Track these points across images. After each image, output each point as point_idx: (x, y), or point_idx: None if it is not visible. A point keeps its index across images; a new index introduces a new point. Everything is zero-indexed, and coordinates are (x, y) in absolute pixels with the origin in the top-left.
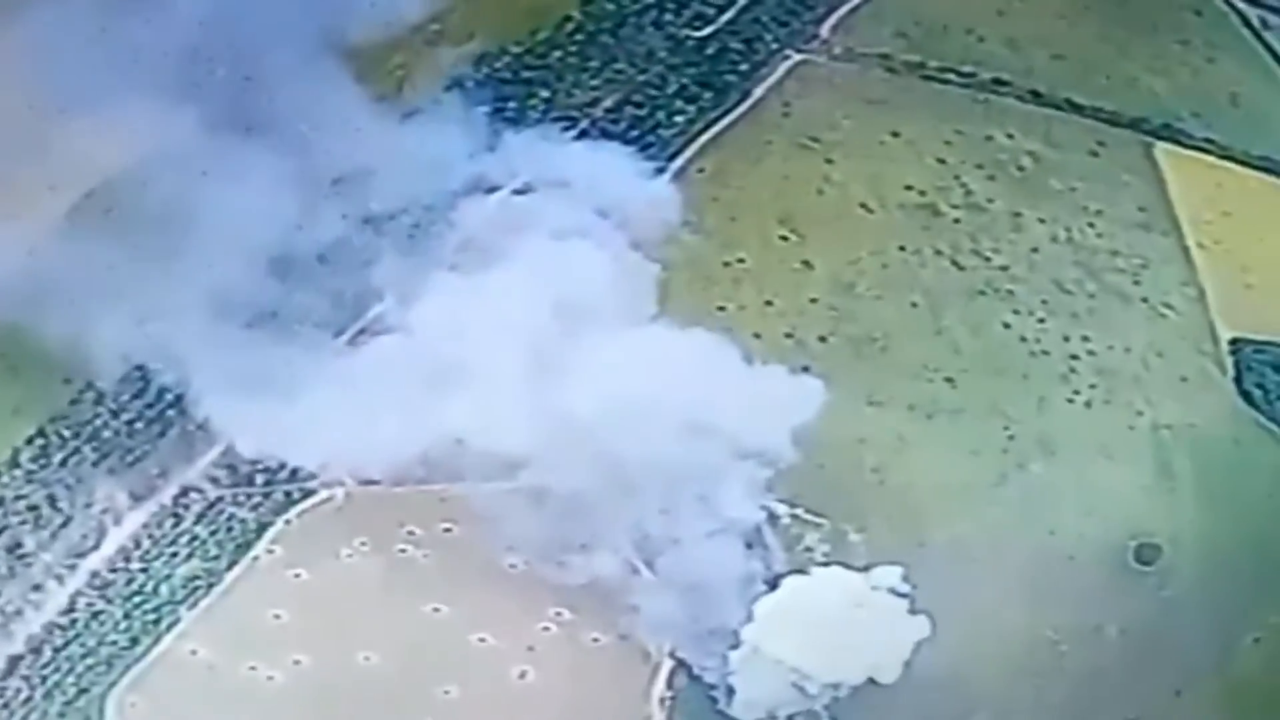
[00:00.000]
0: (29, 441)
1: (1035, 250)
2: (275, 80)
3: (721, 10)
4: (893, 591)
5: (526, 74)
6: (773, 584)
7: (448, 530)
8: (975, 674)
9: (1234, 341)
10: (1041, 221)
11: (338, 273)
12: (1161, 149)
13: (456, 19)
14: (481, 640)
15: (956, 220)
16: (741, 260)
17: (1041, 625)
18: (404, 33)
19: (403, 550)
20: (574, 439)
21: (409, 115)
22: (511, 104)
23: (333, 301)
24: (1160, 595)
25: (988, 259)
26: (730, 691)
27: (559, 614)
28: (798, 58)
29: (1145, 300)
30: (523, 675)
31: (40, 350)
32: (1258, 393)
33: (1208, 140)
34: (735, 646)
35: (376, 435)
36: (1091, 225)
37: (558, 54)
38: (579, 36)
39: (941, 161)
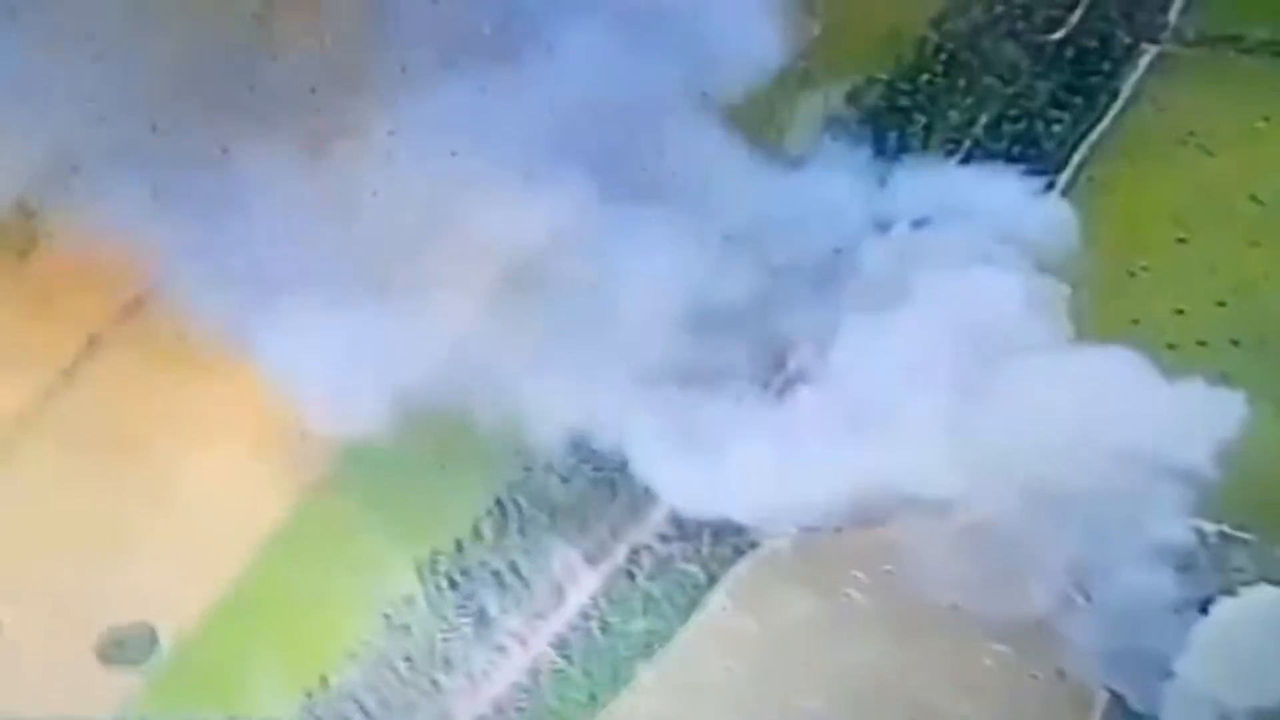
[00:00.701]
0: (489, 513)
1: None
2: (656, 142)
3: (1070, 10)
4: None
5: (900, 103)
6: (1203, 606)
7: (888, 572)
8: None
9: None
10: None
11: (752, 326)
12: None
13: (818, 59)
14: (923, 683)
15: None
16: (1145, 269)
17: None
18: (771, 79)
19: (847, 595)
20: (1002, 471)
21: (795, 162)
22: (891, 136)
23: (751, 355)
24: None
25: None
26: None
27: (998, 650)
28: (1155, 49)
29: None
30: (964, 716)
31: (489, 426)
32: None
33: None
34: (1168, 676)
35: (810, 484)
36: None
37: (925, 78)
38: (941, 57)
39: None
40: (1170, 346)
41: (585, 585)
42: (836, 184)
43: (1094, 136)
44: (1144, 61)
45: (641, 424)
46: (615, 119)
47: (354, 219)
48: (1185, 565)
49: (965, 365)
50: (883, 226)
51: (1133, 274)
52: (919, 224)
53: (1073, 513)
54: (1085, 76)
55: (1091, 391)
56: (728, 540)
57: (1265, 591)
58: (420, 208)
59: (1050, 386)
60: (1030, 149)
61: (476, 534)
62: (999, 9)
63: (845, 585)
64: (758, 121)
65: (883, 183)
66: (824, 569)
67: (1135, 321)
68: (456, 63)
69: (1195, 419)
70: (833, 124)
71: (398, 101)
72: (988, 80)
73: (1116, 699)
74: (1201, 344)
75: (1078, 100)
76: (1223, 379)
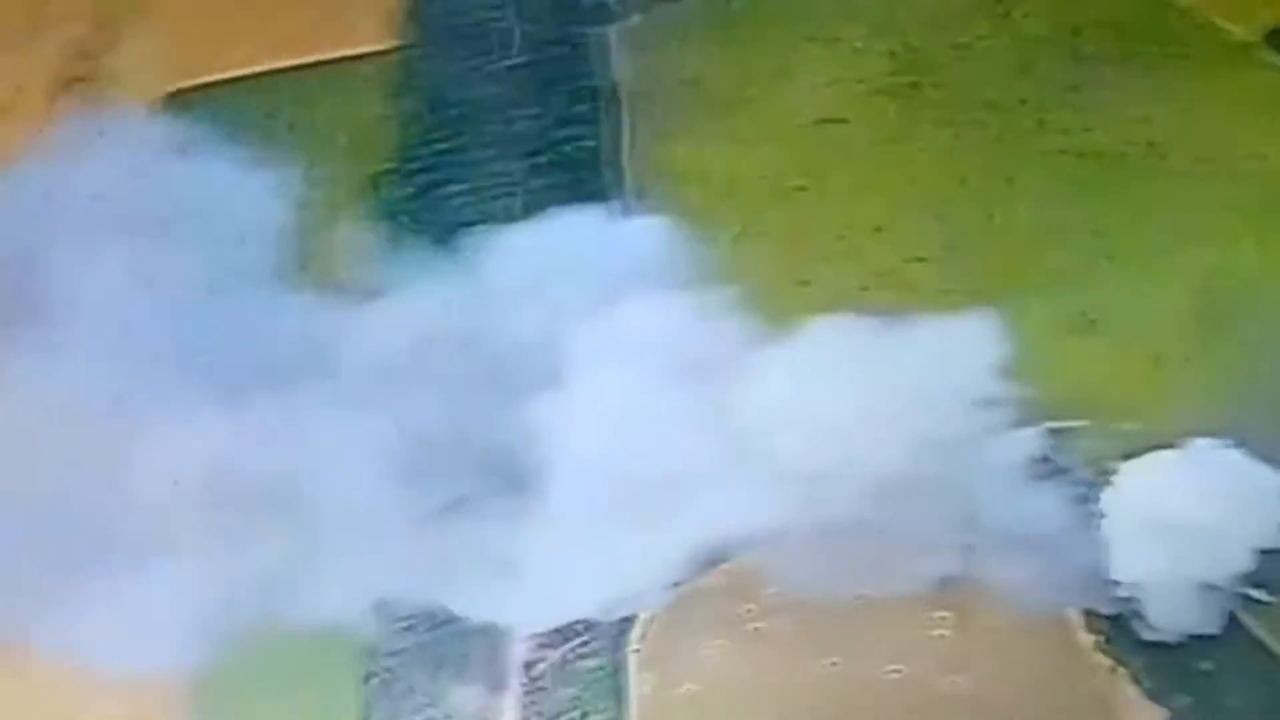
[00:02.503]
0: (367, 681)
1: None
2: (252, 332)
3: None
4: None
5: (424, 187)
6: (1094, 499)
7: (776, 594)
8: None
9: None
10: None
11: (463, 447)
12: None
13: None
14: (896, 672)
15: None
16: (792, 237)
17: None
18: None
19: (756, 628)
20: (826, 478)
21: (378, 290)
22: (439, 222)
23: (482, 470)
24: None
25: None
26: (1139, 615)
27: (943, 618)
28: (613, 28)
29: None
30: (953, 685)
31: (307, 626)
32: None
33: None
34: (1115, 581)
35: (626, 560)
36: None
37: (430, 154)
38: (429, 129)
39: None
40: (863, 289)
41: (509, 712)
42: (428, 289)
43: (626, 135)
44: (613, 43)
45: (432, 569)
46: (198, 328)
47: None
48: (1048, 473)
49: (700, 401)
50: (502, 303)
51: (774, 247)
52: (533, 288)
53: (917, 475)
54: (572, 82)
55: (840, 369)
56: (605, 626)
57: (1142, 462)
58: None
59: (798, 382)
60: (578, 176)
61: (371, 707)
62: (441, 61)
63: (743, 622)
64: (323, 272)
65: (468, 267)
66: (717, 614)
67: (805, 283)
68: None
69: (956, 350)
70: (380, 236)
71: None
72: (488, 130)
73: (1091, 615)
74: (885, 274)
75: (582, 108)
76: (936, 300)
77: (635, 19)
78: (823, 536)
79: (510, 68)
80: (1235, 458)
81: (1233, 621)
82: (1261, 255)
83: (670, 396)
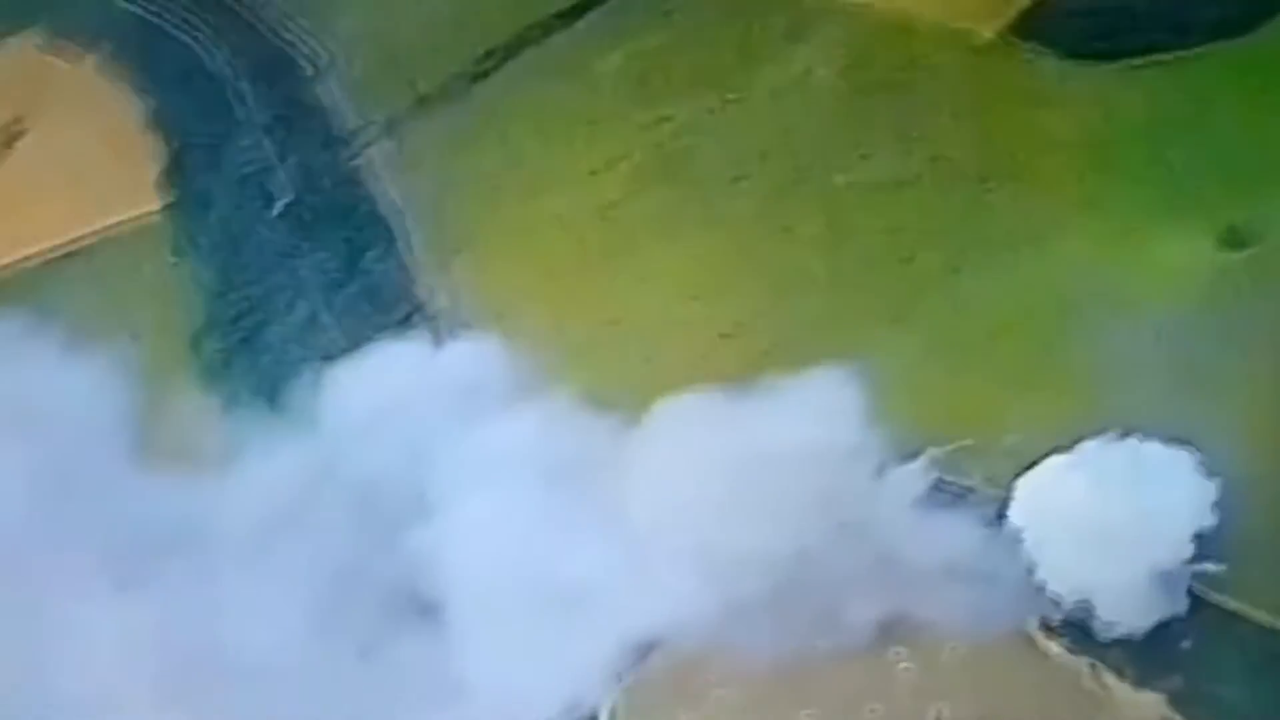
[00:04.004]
0: None
1: None
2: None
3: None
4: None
5: (244, 342)
6: (1000, 515)
7: (727, 662)
8: None
9: None
10: None
11: (367, 589)
12: None
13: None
14: (874, 711)
15: None
16: (615, 321)
17: None
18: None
19: (720, 695)
20: (722, 551)
21: (227, 458)
22: (273, 371)
23: (384, 607)
24: None
25: None
26: (1093, 615)
27: (899, 652)
28: (390, 146)
29: None
30: (937, 712)
31: None
32: None
33: None
34: (1053, 590)
35: (571, 656)
36: None
37: (244, 308)
38: (239, 283)
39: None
40: (704, 357)
41: None
42: (276, 442)
43: (421, 252)
44: (379, 166)
45: (380, 705)
46: (64, 525)
47: None
48: (950, 499)
49: (575, 501)
50: (354, 442)
51: (601, 335)
52: (381, 423)
53: (810, 535)
54: (351, 210)
55: (707, 442)
56: None
57: (1028, 480)
58: None
59: (670, 463)
60: (387, 301)
61: None
62: (218, 214)
63: (706, 694)
64: (168, 446)
65: (308, 413)
66: (672, 696)
67: (645, 360)
68: None
69: (816, 402)
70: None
71: None
72: (284, 272)
73: (1047, 623)
74: (721, 337)
75: (370, 234)
76: (780, 353)
77: (393, 139)
78: (745, 606)
79: (288, 206)
80: (1128, 448)
81: (1196, 598)
82: (1080, 246)
83: (546, 502)
